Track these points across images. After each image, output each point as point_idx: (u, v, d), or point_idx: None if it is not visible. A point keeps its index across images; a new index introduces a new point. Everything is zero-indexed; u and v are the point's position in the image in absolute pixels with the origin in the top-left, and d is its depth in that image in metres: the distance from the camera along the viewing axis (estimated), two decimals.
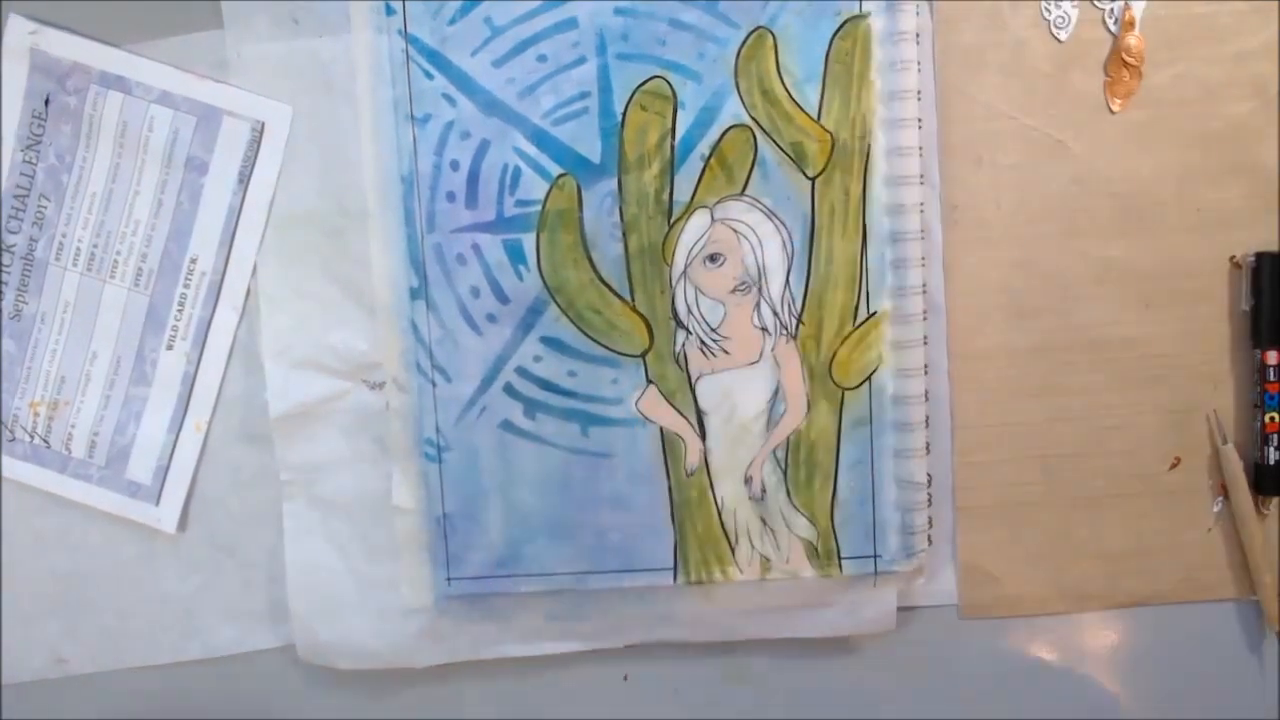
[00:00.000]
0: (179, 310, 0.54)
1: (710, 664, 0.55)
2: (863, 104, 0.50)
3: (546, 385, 0.52)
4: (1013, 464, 0.54)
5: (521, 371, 0.52)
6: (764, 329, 0.52)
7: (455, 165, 0.51)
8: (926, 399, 0.52)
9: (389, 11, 0.51)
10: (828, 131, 0.51)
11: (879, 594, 0.54)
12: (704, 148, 0.51)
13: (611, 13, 0.50)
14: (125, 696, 0.56)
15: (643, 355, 0.52)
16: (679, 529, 0.53)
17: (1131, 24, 0.51)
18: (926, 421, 0.52)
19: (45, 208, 0.53)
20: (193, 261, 0.53)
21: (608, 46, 0.50)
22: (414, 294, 0.52)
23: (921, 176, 0.51)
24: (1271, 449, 0.53)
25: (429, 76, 0.51)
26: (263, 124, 0.52)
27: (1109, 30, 0.52)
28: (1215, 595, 0.55)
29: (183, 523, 0.55)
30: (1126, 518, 0.54)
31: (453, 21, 0.51)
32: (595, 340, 0.52)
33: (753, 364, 0.52)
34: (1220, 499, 0.54)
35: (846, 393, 0.52)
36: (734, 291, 0.52)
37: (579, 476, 0.53)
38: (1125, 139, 0.52)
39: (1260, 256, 0.52)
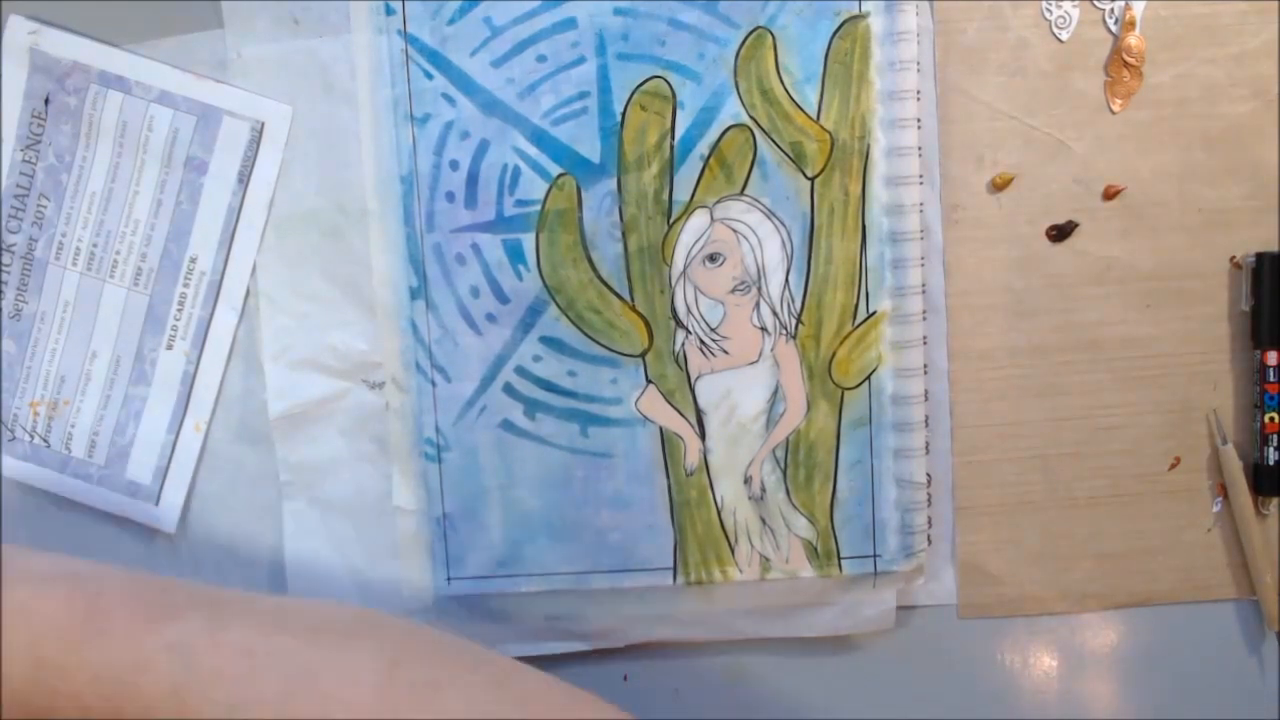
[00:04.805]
0: (178, 310, 0.54)
1: (710, 664, 0.55)
2: (862, 104, 0.50)
3: (546, 385, 0.52)
4: (1013, 464, 0.54)
5: (521, 371, 0.52)
6: (763, 329, 0.52)
7: (455, 165, 0.51)
8: (926, 399, 0.52)
9: (389, 11, 0.51)
10: (827, 131, 0.51)
11: (878, 594, 0.54)
12: (703, 148, 0.51)
13: (611, 13, 0.50)
14: None
15: (642, 355, 0.52)
16: (679, 529, 0.53)
17: (1132, 24, 0.51)
18: (926, 421, 0.52)
19: (45, 207, 0.53)
20: (192, 261, 0.53)
21: (607, 46, 0.51)
22: (414, 294, 0.52)
23: (921, 176, 0.51)
24: (1271, 449, 0.53)
25: (429, 76, 0.51)
26: (263, 124, 0.52)
27: (1110, 30, 0.52)
28: (1215, 595, 0.55)
29: (183, 523, 0.55)
30: (1126, 518, 0.54)
31: (452, 21, 0.51)
32: (595, 340, 0.52)
33: (752, 364, 0.52)
34: (1220, 499, 0.54)
35: (846, 392, 0.52)
36: (733, 291, 0.52)
37: (579, 476, 0.53)
38: (1126, 139, 0.52)
39: (1260, 256, 0.52)
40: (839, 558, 0.53)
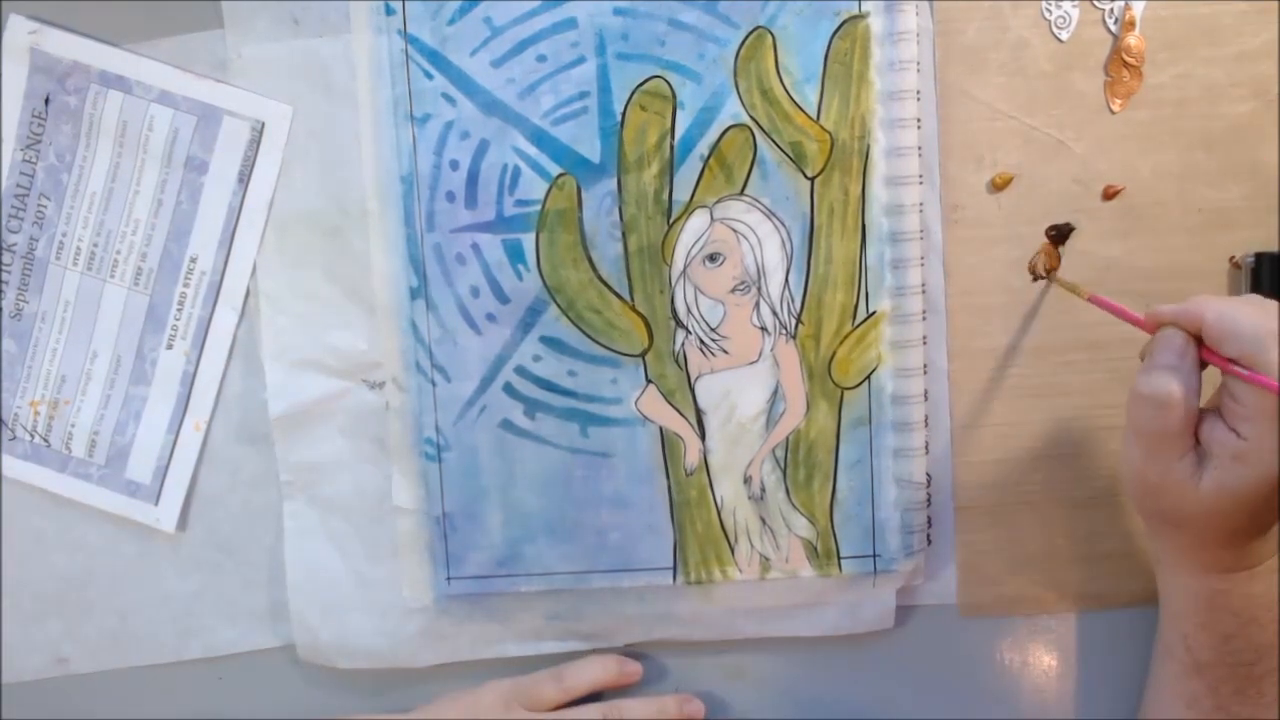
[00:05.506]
0: (179, 310, 0.54)
1: (710, 664, 0.55)
2: (862, 104, 0.50)
3: (546, 385, 0.52)
4: (1013, 464, 0.54)
5: (521, 371, 0.52)
6: (763, 329, 0.52)
7: (455, 165, 0.51)
8: (926, 399, 0.52)
9: (389, 11, 0.51)
10: (827, 131, 0.51)
11: (878, 593, 0.54)
12: (703, 148, 0.51)
13: (611, 13, 0.50)
14: (125, 696, 0.56)
15: (642, 355, 0.52)
16: (679, 529, 0.53)
17: (1132, 24, 0.51)
18: (926, 421, 0.52)
19: (45, 207, 0.54)
20: (192, 261, 0.54)
21: (607, 46, 0.51)
22: (414, 294, 0.52)
23: (921, 176, 0.51)
24: None
25: (429, 76, 0.51)
26: (263, 124, 0.52)
27: (1110, 30, 0.52)
28: None
29: (183, 523, 0.55)
30: (1126, 518, 0.54)
31: (452, 21, 0.51)
32: (595, 340, 0.52)
33: (752, 364, 0.52)
34: None
35: (846, 392, 0.52)
36: (733, 291, 0.52)
37: (579, 476, 0.53)
38: (1126, 139, 0.52)
39: (1260, 256, 0.52)
40: (839, 557, 0.53)
